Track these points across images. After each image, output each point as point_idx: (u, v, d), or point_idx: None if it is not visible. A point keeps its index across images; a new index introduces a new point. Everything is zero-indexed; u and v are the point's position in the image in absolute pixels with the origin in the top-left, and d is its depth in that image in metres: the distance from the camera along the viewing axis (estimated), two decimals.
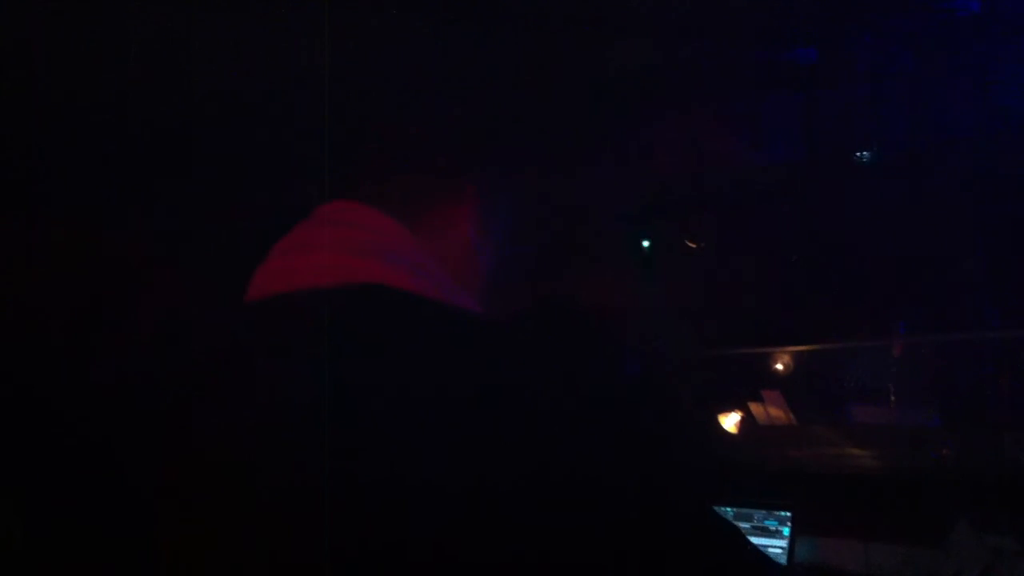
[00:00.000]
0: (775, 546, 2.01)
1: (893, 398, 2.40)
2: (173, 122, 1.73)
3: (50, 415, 1.78)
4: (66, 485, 1.79)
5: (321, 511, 0.78)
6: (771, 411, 2.58)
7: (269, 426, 0.79)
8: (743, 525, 2.05)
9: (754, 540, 2.05)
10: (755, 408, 2.58)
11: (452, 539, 0.73)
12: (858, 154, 2.09)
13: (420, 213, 0.92)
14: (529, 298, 1.00)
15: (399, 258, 0.89)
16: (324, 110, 0.96)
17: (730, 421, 2.60)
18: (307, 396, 0.78)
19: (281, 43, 1.42)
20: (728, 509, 2.07)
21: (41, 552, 1.79)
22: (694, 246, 2.53)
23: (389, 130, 0.94)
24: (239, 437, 0.81)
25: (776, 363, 2.66)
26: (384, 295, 0.84)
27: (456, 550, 0.73)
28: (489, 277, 0.96)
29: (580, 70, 1.26)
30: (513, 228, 0.98)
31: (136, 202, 1.79)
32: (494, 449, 0.74)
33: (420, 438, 0.75)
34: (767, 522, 2.04)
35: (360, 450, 0.76)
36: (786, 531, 2.01)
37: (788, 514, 2.02)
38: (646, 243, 2.36)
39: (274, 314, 0.86)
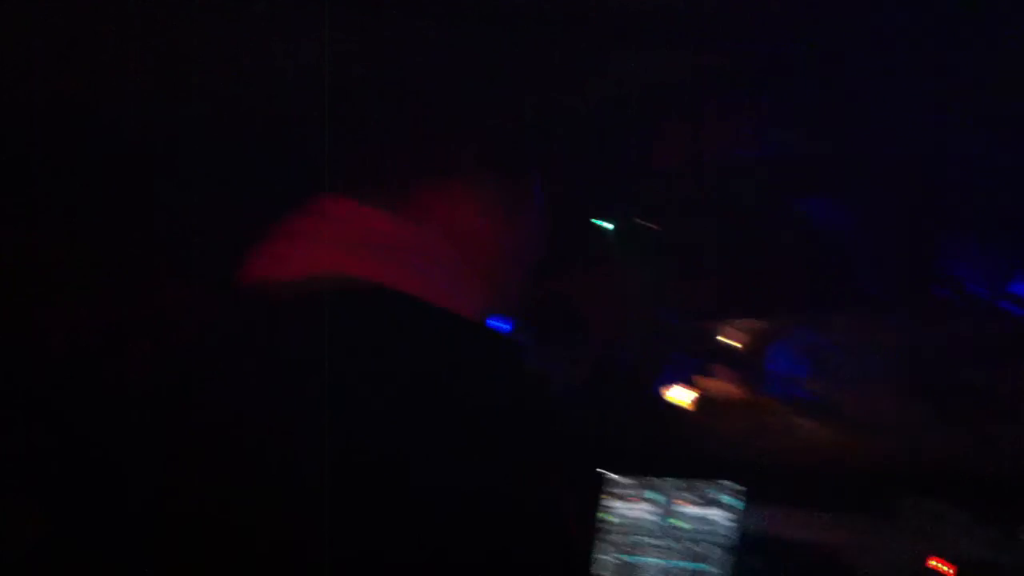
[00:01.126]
0: (727, 520, 2.01)
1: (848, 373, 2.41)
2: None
3: (61, 416, 1.75)
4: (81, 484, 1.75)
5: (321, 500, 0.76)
6: (726, 385, 2.58)
7: (271, 417, 0.78)
8: (692, 498, 2.04)
9: (704, 513, 2.05)
10: (710, 382, 2.57)
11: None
12: None
13: (418, 212, 0.92)
14: (532, 297, 0.99)
15: (390, 254, 0.88)
16: (326, 109, 0.94)
17: (683, 395, 2.59)
18: (302, 388, 0.77)
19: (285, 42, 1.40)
20: (679, 482, 2.07)
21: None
22: (654, 228, 2.51)
23: (394, 129, 0.94)
24: (242, 430, 0.80)
25: (733, 336, 2.66)
26: (371, 290, 0.84)
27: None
28: (489, 277, 0.96)
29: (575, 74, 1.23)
30: (518, 228, 0.98)
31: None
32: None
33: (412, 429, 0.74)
34: (720, 496, 2.03)
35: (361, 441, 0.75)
36: (737, 505, 2.00)
37: (740, 488, 2.02)
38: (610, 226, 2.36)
39: (267, 308, 0.85)
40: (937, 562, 1.90)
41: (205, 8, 1.48)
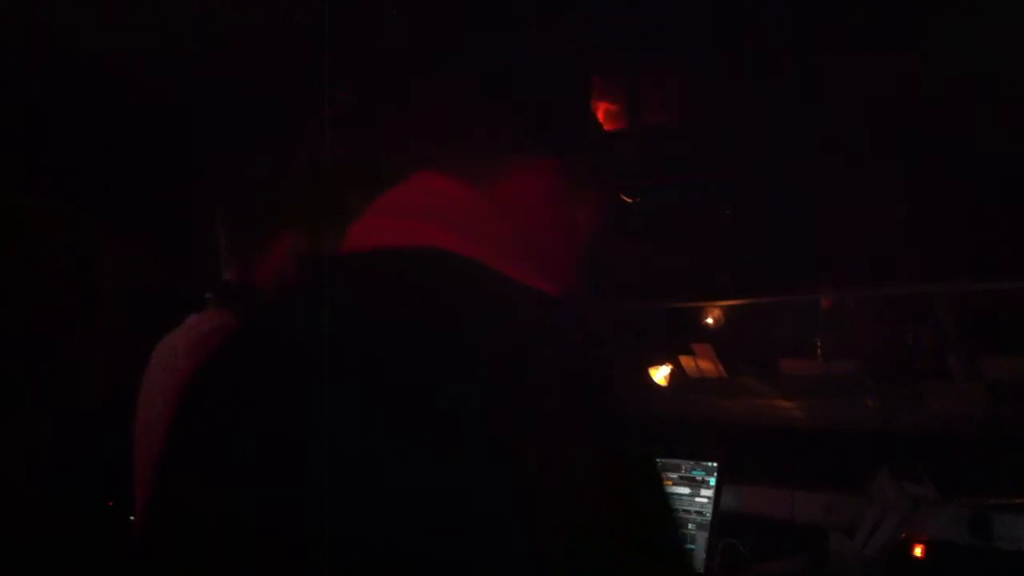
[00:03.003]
0: (702, 496, 2.03)
1: (820, 350, 2.43)
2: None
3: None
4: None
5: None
6: (701, 364, 2.61)
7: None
8: (671, 476, 2.07)
9: (680, 491, 2.07)
10: (685, 361, 2.60)
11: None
12: None
13: (504, 188, 0.95)
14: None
15: (478, 229, 0.92)
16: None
17: (660, 374, 2.62)
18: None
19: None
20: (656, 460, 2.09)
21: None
22: (630, 200, 2.53)
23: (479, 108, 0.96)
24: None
25: (707, 317, 2.69)
26: (456, 263, 0.86)
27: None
28: (570, 257, 0.98)
29: None
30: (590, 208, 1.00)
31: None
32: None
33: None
34: (694, 472, 2.06)
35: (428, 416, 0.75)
36: (712, 481, 2.03)
37: (715, 465, 2.04)
38: None
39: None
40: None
41: None
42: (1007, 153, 1.84)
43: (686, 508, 2.04)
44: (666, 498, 0.81)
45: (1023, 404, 2.02)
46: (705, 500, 2.03)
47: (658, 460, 2.12)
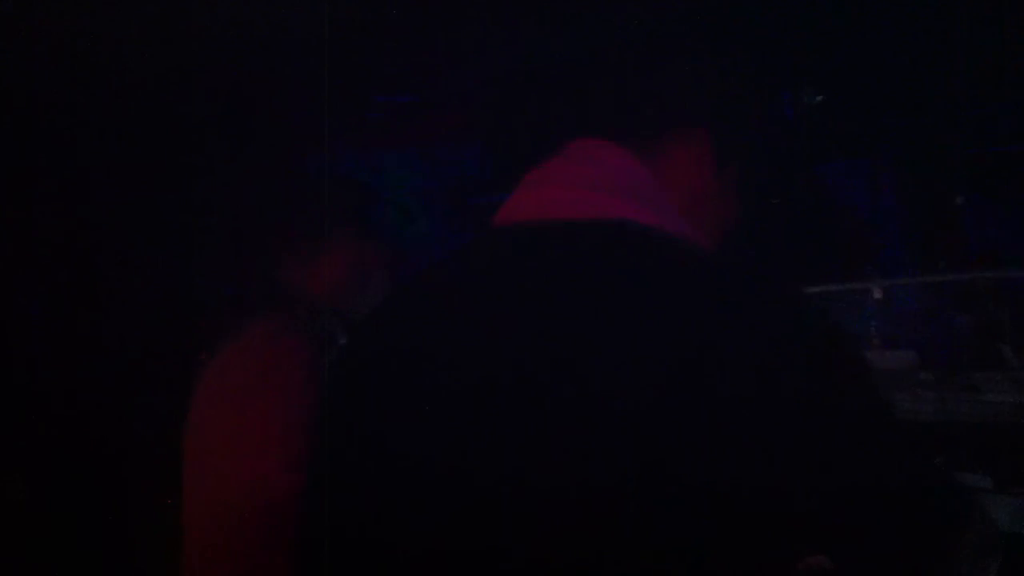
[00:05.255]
0: None
1: (874, 341, 2.40)
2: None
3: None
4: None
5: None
6: None
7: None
8: None
9: None
10: None
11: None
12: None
13: (658, 154, 0.95)
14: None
15: (637, 194, 0.91)
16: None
17: None
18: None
19: None
20: None
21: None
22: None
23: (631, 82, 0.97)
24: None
25: None
26: (618, 228, 0.86)
27: None
28: (718, 217, 0.99)
29: None
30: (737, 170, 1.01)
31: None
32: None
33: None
34: None
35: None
36: None
37: None
38: None
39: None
40: None
41: None
42: None
43: None
44: None
45: None
46: None
47: None
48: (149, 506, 1.75)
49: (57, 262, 1.81)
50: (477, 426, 0.79)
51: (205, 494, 1.51)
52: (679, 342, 0.75)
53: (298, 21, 1.64)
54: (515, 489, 0.76)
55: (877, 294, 2.42)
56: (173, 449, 1.52)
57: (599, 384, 0.76)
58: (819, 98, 2.24)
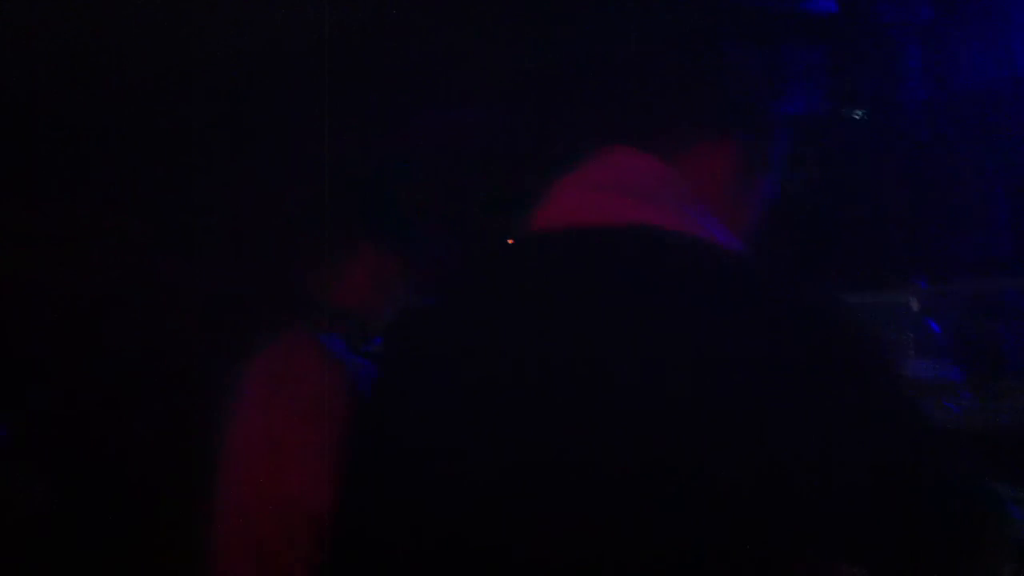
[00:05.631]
0: None
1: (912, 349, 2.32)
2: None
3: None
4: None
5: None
6: None
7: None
8: None
9: None
10: None
11: None
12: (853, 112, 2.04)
13: (687, 160, 0.94)
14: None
15: (667, 199, 0.92)
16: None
17: None
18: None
19: None
20: None
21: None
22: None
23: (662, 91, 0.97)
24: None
25: None
26: (648, 234, 0.86)
27: None
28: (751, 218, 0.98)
29: None
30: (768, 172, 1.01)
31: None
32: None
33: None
34: None
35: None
36: None
37: None
38: None
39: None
40: None
41: None
42: None
43: None
44: None
45: None
46: None
47: None
48: (159, 510, 1.75)
49: (61, 262, 1.83)
50: (510, 428, 0.80)
51: (237, 505, 1.49)
52: (710, 346, 0.76)
53: (298, 21, 1.64)
54: (559, 489, 0.76)
55: (915, 305, 2.33)
56: (182, 453, 1.52)
57: (631, 386, 0.76)
58: (859, 114, 2.19)
